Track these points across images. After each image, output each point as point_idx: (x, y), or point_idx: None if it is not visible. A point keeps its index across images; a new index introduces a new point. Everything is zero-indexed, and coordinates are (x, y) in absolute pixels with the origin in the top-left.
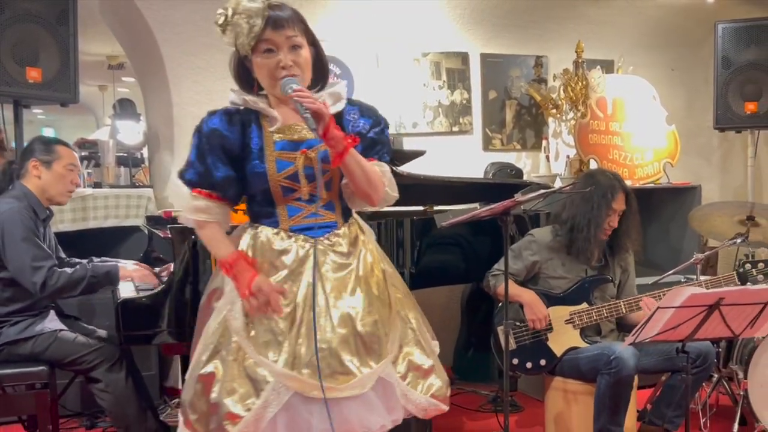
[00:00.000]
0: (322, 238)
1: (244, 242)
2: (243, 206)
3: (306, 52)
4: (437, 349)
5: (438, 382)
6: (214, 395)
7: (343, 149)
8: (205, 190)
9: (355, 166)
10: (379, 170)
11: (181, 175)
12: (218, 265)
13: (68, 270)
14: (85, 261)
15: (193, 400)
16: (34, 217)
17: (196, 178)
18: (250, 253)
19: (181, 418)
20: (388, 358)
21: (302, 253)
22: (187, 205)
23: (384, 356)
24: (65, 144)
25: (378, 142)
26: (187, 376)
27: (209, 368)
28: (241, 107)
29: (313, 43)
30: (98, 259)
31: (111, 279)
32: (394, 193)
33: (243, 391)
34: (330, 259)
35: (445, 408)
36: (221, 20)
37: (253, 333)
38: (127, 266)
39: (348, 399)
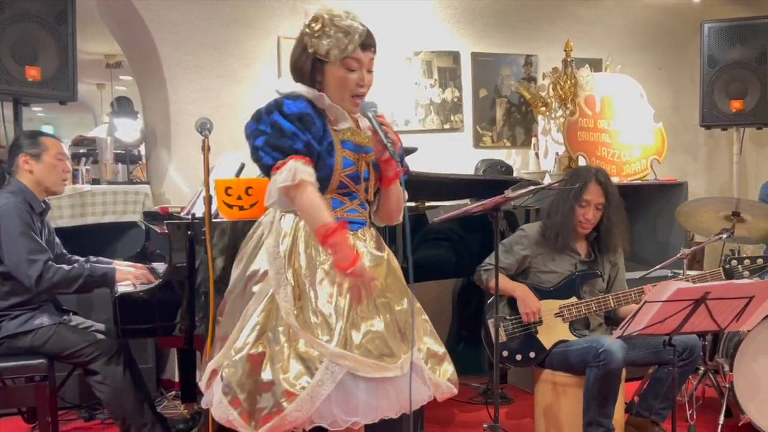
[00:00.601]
0: (357, 232)
1: (288, 223)
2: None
3: (372, 79)
4: None
5: (451, 367)
6: (265, 374)
7: (394, 174)
8: (308, 158)
9: (395, 191)
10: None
11: (274, 145)
12: (315, 232)
13: (65, 266)
14: (83, 260)
15: (241, 379)
16: (30, 212)
17: (303, 147)
18: (291, 237)
19: (225, 399)
20: (415, 344)
21: None
22: (290, 169)
23: (413, 342)
24: (50, 135)
25: (405, 165)
26: (220, 357)
27: (258, 348)
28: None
29: None
30: (95, 258)
31: (107, 281)
32: (401, 217)
33: (296, 371)
34: (368, 251)
35: (456, 391)
36: (317, 26)
37: (302, 316)
38: (124, 269)
39: (390, 379)
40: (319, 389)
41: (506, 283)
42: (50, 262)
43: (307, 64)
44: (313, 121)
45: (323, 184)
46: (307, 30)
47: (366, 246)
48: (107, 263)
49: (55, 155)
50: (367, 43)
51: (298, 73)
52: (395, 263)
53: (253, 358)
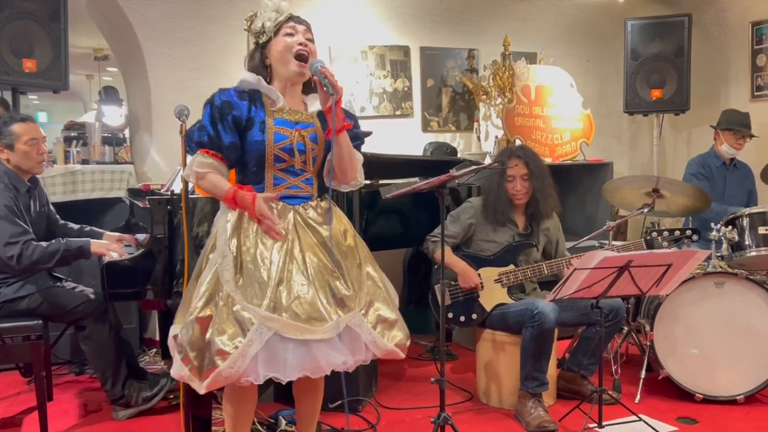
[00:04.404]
0: (298, 206)
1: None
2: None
3: (314, 48)
4: (397, 301)
5: (400, 334)
6: (208, 335)
7: (342, 126)
8: (212, 151)
9: (345, 143)
10: (357, 156)
11: (190, 137)
12: (225, 202)
13: (43, 244)
14: (77, 226)
15: (192, 339)
16: (14, 194)
17: (207, 140)
18: (238, 212)
19: (178, 356)
20: (356, 310)
21: (283, 215)
22: (191, 162)
23: (353, 309)
24: (22, 119)
25: (358, 137)
26: (178, 320)
27: (206, 312)
28: (246, 89)
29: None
30: (88, 228)
31: (83, 253)
32: (362, 179)
33: (231, 332)
34: (306, 224)
35: (402, 355)
36: (251, 14)
37: (240, 282)
38: (100, 242)
39: (318, 341)
40: (248, 348)
41: (449, 258)
42: (30, 242)
43: (255, 56)
44: (233, 107)
45: (260, 162)
46: (246, 25)
47: (308, 218)
48: (99, 233)
49: (27, 141)
50: (298, 20)
51: (252, 69)
52: (347, 237)
53: (201, 321)
